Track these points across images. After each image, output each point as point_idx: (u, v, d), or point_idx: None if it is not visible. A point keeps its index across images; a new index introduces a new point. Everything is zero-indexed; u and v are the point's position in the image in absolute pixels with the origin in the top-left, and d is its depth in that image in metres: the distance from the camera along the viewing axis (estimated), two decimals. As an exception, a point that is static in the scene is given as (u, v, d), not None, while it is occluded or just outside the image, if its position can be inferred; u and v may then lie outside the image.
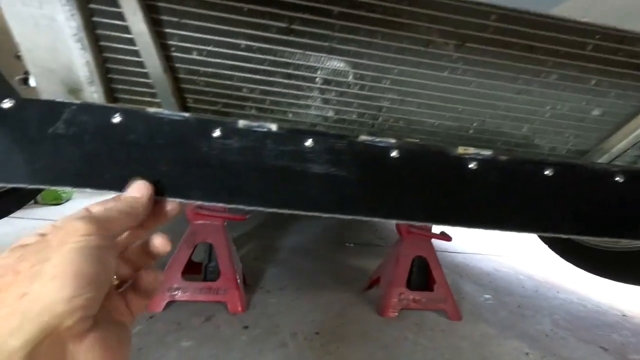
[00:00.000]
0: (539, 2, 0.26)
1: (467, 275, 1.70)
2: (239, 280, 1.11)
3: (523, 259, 2.16)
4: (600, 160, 0.60)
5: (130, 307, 0.34)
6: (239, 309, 1.07)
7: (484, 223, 0.52)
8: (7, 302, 0.24)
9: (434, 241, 1.27)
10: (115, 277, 0.37)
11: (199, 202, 0.44)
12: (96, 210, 0.33)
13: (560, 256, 1.52)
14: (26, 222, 1.81)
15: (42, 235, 0.27)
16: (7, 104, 0.44)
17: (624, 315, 1.41)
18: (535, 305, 1.41)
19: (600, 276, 1.33)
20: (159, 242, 0.38)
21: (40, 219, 1.89)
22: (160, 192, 0.43)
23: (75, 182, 0.43)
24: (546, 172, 0.54)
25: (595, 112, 0.55)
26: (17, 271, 0.25)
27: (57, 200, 2.31)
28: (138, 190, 0.39)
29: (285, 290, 1.27)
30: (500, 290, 1.54)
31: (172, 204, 0.42)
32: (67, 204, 2.37)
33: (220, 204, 0.46)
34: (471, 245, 2.31)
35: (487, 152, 0.53)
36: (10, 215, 1.42)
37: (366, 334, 1.03)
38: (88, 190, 0.43)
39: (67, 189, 0.41)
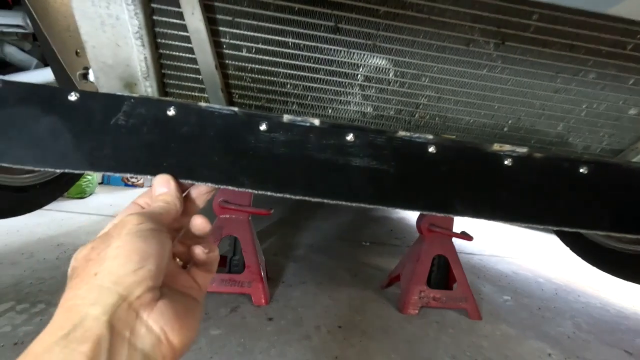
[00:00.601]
0: (597, 3, 0.27)
1: (484, 276, 1.70)
2: (263, 274, 1.13)
3: (541, 262, 2.14)
4: (635, 160, 0.60)
5: (198, 283, 0.37)
6: (263, 301, 1.10)
7: (519, 217, 0.53)
8: (84, 282, 0.28)
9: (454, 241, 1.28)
10: (178, 259, 0.40)
11: (250, 191, 0.47)
12: (142, 202, 0.41)
13: (582, 257, 1.50)
14: (55, 213, 1.88)
15: (106, 232, 0.33)
16: (73, 97, 0.47)
17: (647, 321, 1.39)
18: (555, 307, 1.40)
19: (623, 278, 1.31)
20: (198, 223, 0.41)
21: (67, 212, 1.96)
22: (208, 179, 0.46)
23: (135, 169, 0.46)
24: (581, 170, 0.54)
25: (632, 111, 0.56)
26: (88, 259, 0.30)
27: (81, 194, 2.39)
28: (163, 184, 0.43)
29: (306, 285, 1.29)
30: (520, 292, 1.53)
31: (200, 188, 0.46)
32: (90, 198, 2.45)
33: (269, 193, 0.48)
34: (488, 247, 2.29)
35: (522, 149, 0.54)
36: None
37: (388, 330, 1.04)
38: (148, 177, 0.45)
39: (129, 175, 0.45)
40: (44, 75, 0.87)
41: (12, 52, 0.97)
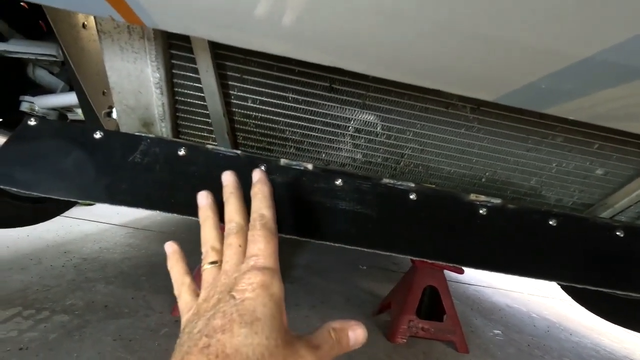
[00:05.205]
0: (533, 104, 0.33)
1: (478, 308, 1.71)
2: (257, 294, 1.17)
3: (537, 297, 2.14)
4: (604, 214, 0.65)
5: None
6: (256, 321, 1.13)
7: (489, 265, 0.57)
8: None
9: (447, 272, 1.31)
10: None
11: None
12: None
13: (574, 299, 1.51)
14: (64, 219, 1.96)
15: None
16: (98, 135, 0.54)
17: (637, 365, 1.39)
18: (545, 345, 1.41)
19: (613, 323, 1.32)
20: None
21: (76, 218, 2.04)
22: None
23: (147, 204, 0.52)
24: (550, 222, 0.59)
25: (599, 171, 0.61)
26: None
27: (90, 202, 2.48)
28: None
29: (299, 307, 1.33)
30: (511, 327, 1.54)
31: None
32: (98, 205, 2.52)
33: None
34: (485, 277, 2.30)
35: (496, 200, 0.59)
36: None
37: (374, 358, 1.07)
38: (158, 211, 0.52)
39: (141, 210, 0.50)
40: (72, 99, 0.95)
41: (43, 75, 1.06)
